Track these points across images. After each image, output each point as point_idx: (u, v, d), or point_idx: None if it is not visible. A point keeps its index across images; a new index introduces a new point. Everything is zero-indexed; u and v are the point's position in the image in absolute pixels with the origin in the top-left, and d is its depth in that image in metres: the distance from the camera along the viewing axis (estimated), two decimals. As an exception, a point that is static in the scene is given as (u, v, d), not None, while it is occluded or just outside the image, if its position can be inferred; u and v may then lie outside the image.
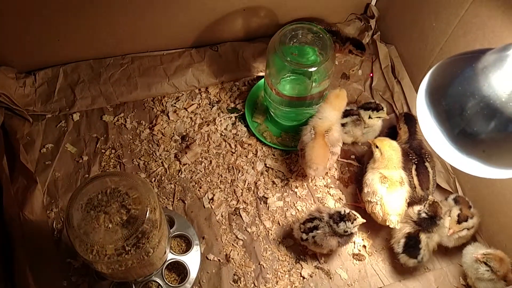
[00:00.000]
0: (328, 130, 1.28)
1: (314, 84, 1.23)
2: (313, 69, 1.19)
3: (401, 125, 1.34)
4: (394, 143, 1.26)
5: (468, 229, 1.21)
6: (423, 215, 1.19)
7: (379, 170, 1.23)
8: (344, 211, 1.17)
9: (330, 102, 1.32)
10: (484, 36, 1.15)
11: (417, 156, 1.28)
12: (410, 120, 1.34)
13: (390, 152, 1.24)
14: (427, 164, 1.28)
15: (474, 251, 1.17)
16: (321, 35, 1.23)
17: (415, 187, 1.26)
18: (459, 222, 1.19)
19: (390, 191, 1.21)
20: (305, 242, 1.20)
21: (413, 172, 1.26)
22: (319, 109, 1.32)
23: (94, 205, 0.92)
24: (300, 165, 1.35)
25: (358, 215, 1.17)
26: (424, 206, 1.20)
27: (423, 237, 1.19)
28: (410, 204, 1.25)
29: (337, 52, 1.46)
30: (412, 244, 1.19)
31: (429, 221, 1.19)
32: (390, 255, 1.27)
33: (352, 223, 1.16)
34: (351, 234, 1.18)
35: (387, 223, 1.20)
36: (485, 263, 1.12)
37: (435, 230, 1.20)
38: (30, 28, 1.30)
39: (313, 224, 1.18)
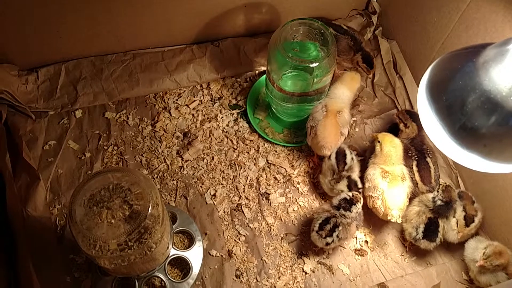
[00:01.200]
0: (340, 111, 1.29)
1: (315, 79, 1.23)
2: (314, 64, 1.19)
3: (409, 123, 1.32)
4: (396, 140, 1.26)
5: (475, 226, 1.22)
6: (439, 202, 1.20)
7: (380, 165, 1.24)
8: (348, 196, 1.18)
9: (345, 82, 1.34)
10: (486, 31, 1.15)
11: (417, 152, 1.28)
12: (415, 116, 1.33)
13: (389, 148, 1.24)
14: (428, 159, 1.28)
15: (475, 245, 1.18)
16: (322, 31, 1.23)
17: (417, 183, 1.26)
18: (467, 225, 1.20)
19: (391, 186, 1.21)
20: (331, 245, 1.19)
21: (414, 168, 1.26)
22: (331, 89, 1.33)
23: (96, 201, 0.92)
24: (309, 144, 1.34)
25: (356, 193, 1.20)
26: (438, 193, 1.21)
27: (440, 222, 1.20)
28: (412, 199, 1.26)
29: (344, 60, 1.45)
30: (433, 229, 1.20)
31: (446, 207, 1.20)
32: (392, 250, 1.27)
33: (360, 202, 1.18)
34: (361, 212, 1.21)
35: (389, 218, 1.20)
36: (483, 253, 1.14)
37: (451, 214, 1.21)
38: (32, 25, 1.30)
39: (330, 224, 1.18)
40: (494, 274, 1.14)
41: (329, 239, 1.17)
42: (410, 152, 1.28)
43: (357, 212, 1.18)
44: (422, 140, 1.31)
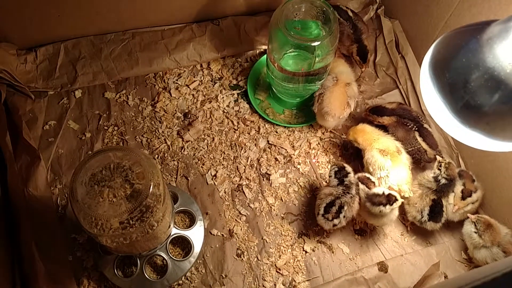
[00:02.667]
0: (350, 83, 1.32)
1: (317, 59, 1.22)
2: (316, 43, 1.17)
3: (381, 120, 1.32)
4: (360, 125, 1.30)
5: (472, 203, 1.22)
6: (443, 181, 1.19)
7: (373, 147, 1.24)
8: (383, 193, 1.15)
9: None
10: (489, 9, 1.13)
11: (413, 122, 1.29)
12: (381, 110, 1.33)
13: (365, 138, 1.26)
14: (425, 125, 1.29)
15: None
16: (324, 9, 1.21)
17: (425, 151, 1.27)
18: (463, 198, 1.20)
19: (393, 162, 1.21)
20: (338, 226, 1.18)
21: (418, 138, 1.27)
22: (340, 65, 1.36)
23: (98, 180, 0.92)
24: (314, 112, 1.34)
25: (397, 195, 1.16)
26: (441, 171, 1.19)
27: (444, 202, 1.20)
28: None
29: (340, 46, 1.43)
30: (437, 210, 1.20)
31: (450, 185, 1.20)
32: (392, 230, 1.28)
33: (391, 204, 1.14)
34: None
35: (402, 194, 1.20)
36: (474, 224, 1.15)
37: (451, 191, 1.21)
38: (30, 4, 1.28)
39: (336, 206, 1.17)
40: (490, 251, 1.15)
41: (336, 221, 1.17)
42: (408, 124, 1.28)
43: (380, 211, 1.15)
44: (408, 110, 1.32)
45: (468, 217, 1.18)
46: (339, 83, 1.31)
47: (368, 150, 1.25)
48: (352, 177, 1.19)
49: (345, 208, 1.16)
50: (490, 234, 1.14)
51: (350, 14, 1.42)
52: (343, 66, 1.37)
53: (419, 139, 1.27)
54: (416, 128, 1.28)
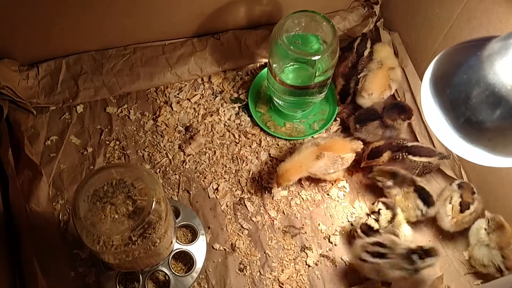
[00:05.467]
0: (394, 67, 1.39)
1: (317, 73, 1.22)
2: (316, 57, 1.18)
3: (380, 161, 1.29)
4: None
5: (470, 214, 1.21)
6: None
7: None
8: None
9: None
10: (489, 23, 1.14)
11: (399, 151, 1.27)
12: (375, 152, 1.29)
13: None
14: (409, 143, 1.28)
15: (482, 224, 1.19)
16: (324, 23, 1.22)
17: (428, 162, 1.26)
18: (462, 211, 1.19)
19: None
20: (363, 264, 1.14)
21: (414, 158, 1.25)
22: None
23: (100, 196, 0.92)
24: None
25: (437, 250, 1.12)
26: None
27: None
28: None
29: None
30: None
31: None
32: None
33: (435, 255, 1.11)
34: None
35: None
36: (488, 221, 1.16)
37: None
38: (32, 20, 1.29)
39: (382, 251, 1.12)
40: (489, 252, 1.15)
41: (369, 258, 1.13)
42: (397, 156, 1.26)
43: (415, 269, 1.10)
44: (389, 143, 1.29)
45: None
46: (383, 67, 1.38)
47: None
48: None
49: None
50: (498, 235, 1.14)
51: (366, 53, 1.41)
52: (388, 52, 1.42)
53: (416, 158, 1.25)
54: (406, 153, 1.26)
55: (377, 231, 1.18)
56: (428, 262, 1.09)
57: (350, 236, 1.26)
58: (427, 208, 1.21)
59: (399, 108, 1.31)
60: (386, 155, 1.27)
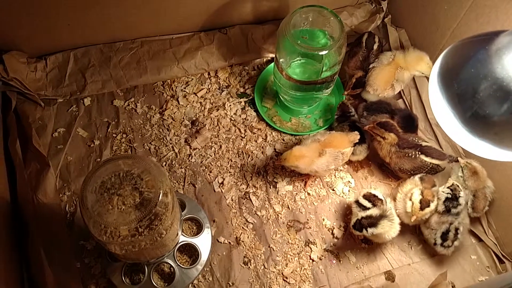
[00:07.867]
0: (404, 68, 1.35)
1: (324, 68, 1.23)
2: (323, 52, 1.18)
3: (386, 135, 1.26)
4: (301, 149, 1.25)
5: (430, 212, 1.19)
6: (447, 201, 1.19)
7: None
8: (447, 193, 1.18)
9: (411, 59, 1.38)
10: (497, 19, 1.14)
11: (413, 148, 1.25)
12: (389, 126, 1.27)
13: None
14: (424, 143, 1.26)
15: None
16: (331, 18, 1.22)
17: (437, 165, 1.25)
18: (422, 208, 1.17)
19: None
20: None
21: (426, 158, 1.23)
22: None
23: (107, 188, 0.93)
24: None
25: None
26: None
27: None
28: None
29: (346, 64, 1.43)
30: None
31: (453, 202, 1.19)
32: (399, 239, 1.27)
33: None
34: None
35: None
36: (461, 169, 1.23)
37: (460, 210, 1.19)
38: (41, 13, 1.30)
39: (452, 232, 1.18)
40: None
41: (456, 243, 1.18)
42: (410, 154, 1.25)
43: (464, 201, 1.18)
44: (405, 139, 1.27)
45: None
46: (393, 64, 1.35)
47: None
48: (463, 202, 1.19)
49: (461, 229, 1.17)
50: (474, 180, 1.21)
51: (375, 47, 1.41)
52: (416, 57, 1.36)
53: (427, 159, 1.24)
54: (420, 152, 1.25)
55: None
56: None
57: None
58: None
59: (408, 120, 1.31)
60: (392, 136, 1.26)
